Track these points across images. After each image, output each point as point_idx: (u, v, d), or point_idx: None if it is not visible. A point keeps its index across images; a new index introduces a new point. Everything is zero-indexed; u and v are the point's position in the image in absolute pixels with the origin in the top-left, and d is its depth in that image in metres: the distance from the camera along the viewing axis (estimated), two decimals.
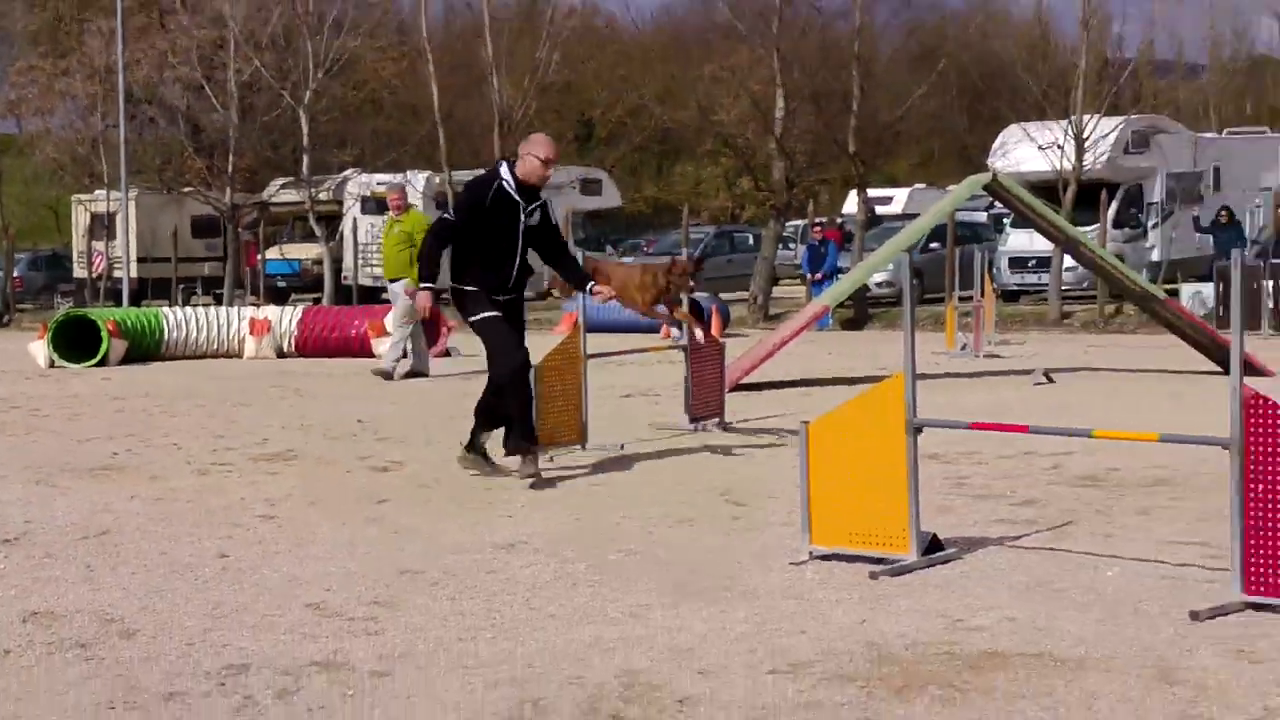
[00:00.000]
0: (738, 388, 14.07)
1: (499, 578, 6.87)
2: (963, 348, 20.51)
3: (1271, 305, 23.47)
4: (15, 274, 40.66)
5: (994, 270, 28.24)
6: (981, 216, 34.83)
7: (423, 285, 9.49)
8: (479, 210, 8.84)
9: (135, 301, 34.00)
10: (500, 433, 9.60)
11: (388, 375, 16.94)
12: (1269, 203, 31.09)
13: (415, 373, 17.20)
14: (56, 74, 41.46)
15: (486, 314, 9.17)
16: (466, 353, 21.54)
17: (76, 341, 20.73)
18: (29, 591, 6.73)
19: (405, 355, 17.33)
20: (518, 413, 9.29)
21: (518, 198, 8.79)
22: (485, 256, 9.11)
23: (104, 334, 20.53)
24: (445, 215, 9.87)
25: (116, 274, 37.16)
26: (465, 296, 9.25)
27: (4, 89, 46.77)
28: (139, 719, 4.95)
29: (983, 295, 21.92)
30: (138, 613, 6.32)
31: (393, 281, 17.48)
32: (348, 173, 38.15)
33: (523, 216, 8.78)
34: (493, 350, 9.27)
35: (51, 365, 20.43)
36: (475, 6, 36.43)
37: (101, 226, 38.78)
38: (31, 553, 7.64)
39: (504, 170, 8.94)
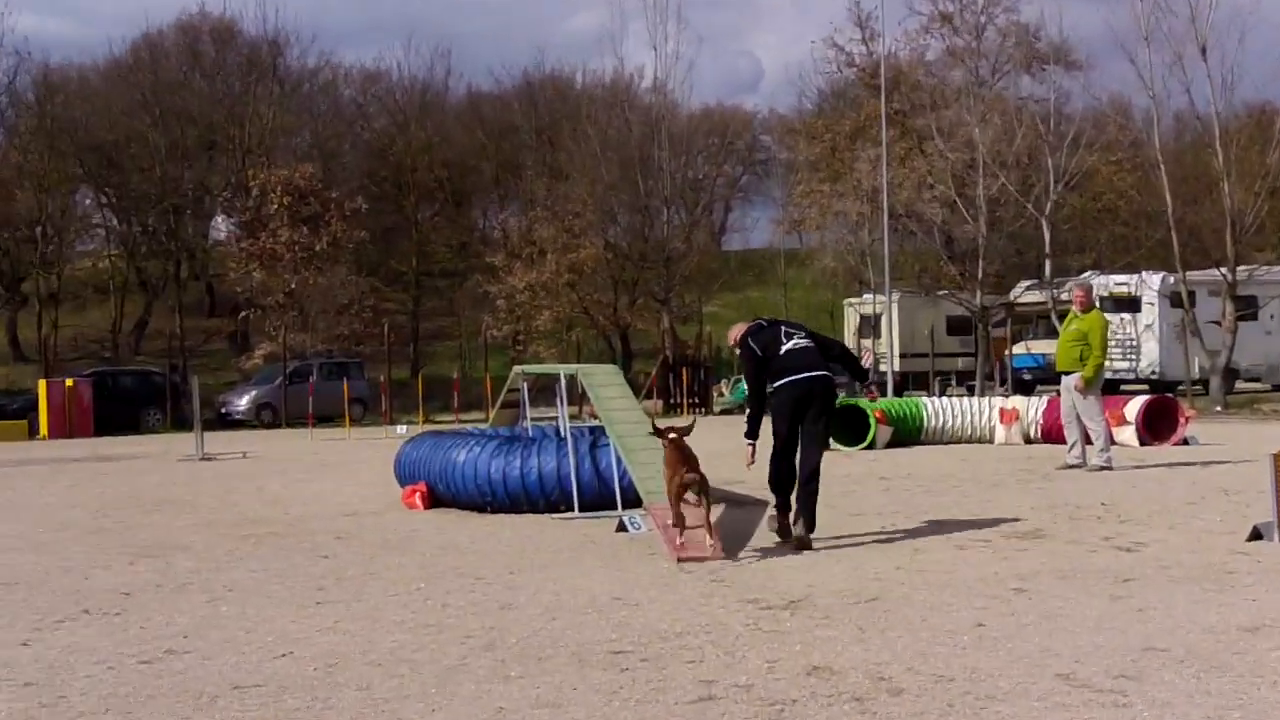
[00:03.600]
0: None
1: (1245, 659, 5.83)
2: None
3: None
4: None
5: None
6: None
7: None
8: None
9: (898, 392, 33.52)
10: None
11: (1106, 467, 14.57)
12: None
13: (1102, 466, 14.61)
14: (832, 195, 42.08)
15: None
16: (1203, 441, 19.03)
17: (848, 426, 20.13)
18: (810, 648, 6.34)
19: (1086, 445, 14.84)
20: None
21: None
22: None
23: (872, 421, 19.88)
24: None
25: (881, 368, 36.79)
26: None
27: (790, 209, 48.20)
28: None
29: None
30: (903, 673, 5.81)
31: (1064, 375, 15.11)
32: (1086, 274, 35.58)
33: None
34: None
35: (826, 448, 19.87)
36: (1205, 119, 32.85)
37: (869, 326, 38.99)
38: (812, 614, 7.19)
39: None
